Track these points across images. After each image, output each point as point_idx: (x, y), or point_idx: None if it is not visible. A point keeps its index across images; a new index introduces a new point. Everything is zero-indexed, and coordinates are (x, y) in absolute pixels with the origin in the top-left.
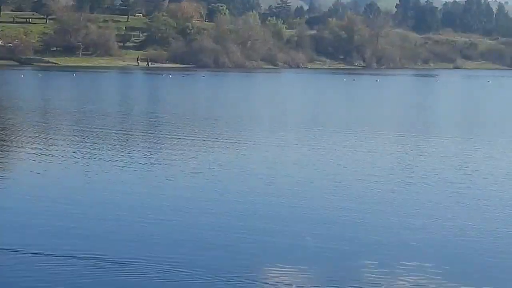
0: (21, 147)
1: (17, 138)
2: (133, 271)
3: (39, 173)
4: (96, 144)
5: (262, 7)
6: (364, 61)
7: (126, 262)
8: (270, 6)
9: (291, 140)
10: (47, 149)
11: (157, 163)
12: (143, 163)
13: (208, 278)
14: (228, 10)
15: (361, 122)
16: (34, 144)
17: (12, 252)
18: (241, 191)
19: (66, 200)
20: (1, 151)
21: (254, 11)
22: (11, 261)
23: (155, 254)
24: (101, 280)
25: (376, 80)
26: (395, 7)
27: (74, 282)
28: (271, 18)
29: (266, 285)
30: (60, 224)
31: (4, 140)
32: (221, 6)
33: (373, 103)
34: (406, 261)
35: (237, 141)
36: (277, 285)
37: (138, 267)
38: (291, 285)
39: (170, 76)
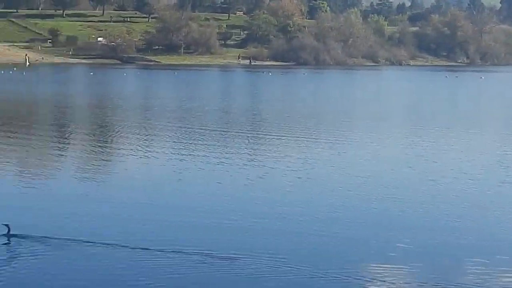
0: (123, 144)
1: (118, 135)
2: (241, 266)
3: (139, 171)
4: (194, 142)
5: (363, 4)
6: (467, 57)
7: (234, 258)
8: (372, 3)
9: (392, 138)
10: (147, 147)
11: (255, 160)
12: (245, 159)
13: (314, 274)
14: (329, 7)
15: (466, 119)
16: (134, 142)
17: (121, 248)
18: (339, 188)
19: (170, 197)
20: (104, 148)
21: (355, 8)
22: (121, 256)
23: (262, 249)
24: (210, 275)
25: (481, 77)
26: (500, 3)
27: (184, 277)
28: (372, 15)
29: (376, 282)
30: (168, 220)
31: (106, 138)
32: (322, 4)
33: (478, 101)
34: None
35: (337, 139)
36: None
37: (246, 262)
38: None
39: (270, 74)
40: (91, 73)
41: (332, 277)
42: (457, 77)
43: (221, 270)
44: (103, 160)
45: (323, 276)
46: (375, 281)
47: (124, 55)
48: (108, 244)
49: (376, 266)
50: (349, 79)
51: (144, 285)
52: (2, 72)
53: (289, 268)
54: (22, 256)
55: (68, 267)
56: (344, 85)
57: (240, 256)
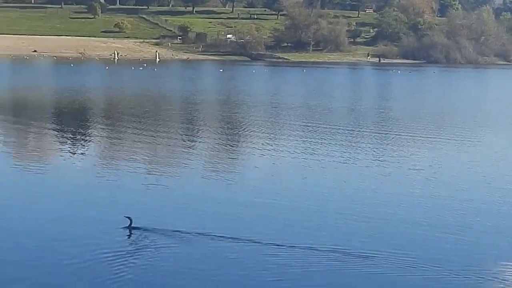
0: (248, 142)
1: (242, 132)
2: (375, 265)
3: (263, 168)
4: (319, 140)
5: (495, 2)
6: None
7: (368, 256)
8: (505, 0)
9: None
10: (271, 144)
11: (379, 160)
12: (369, 158)
13: (445, 275)
14: (461, 5)
15: None
16: (258, 139)
17: (254, 244)
18: (461, 188)
19: (296, 195)
20: (229, 146)
21: (487, 6)
22: (254, 252)
23: (392, 249)
24: (344, 273)
25: None
26: None
27: (318, 274)
28: (505, 13)
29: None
30: (299, 218)
31: (231, 135)
32: (454, 1)
33: None
34: None
35: (465, 139)
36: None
37: (380, 261)
38: None
39: (399, 72)
40: (221, 70)
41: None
42: None
43: (354, 268)
44: (228, 158)
45: (456, 276)
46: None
47: (253, 52)
48: (230, 238)
49: None
50: (480, 78)
51: (273, 282)
52: (133, 68)
53: (419, 269)
54: (146, 249)
55: (192, 260)
56: (476, 84)
57: (373, 255)
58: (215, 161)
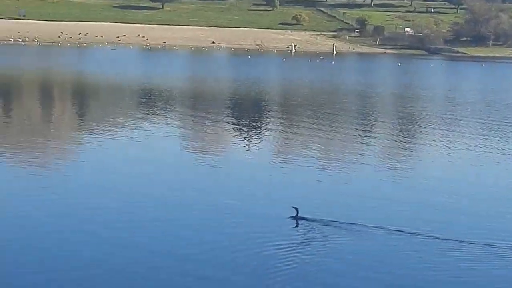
0: (420, 137)
1: (415, 126)
2: None
3: (436, 162)
4: (492, 136)
5: None
6: None
7: None
8: None
9: None
10: (442, 139)
11: None
12: None
13: None
14: None
15: None
16: (430, 134)
17: (432, 239)
18: None
19: (470, 188)
20: (399, 138)
21: None
22: (430, 247)
23: None
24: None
25: None
26: None
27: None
28: None
29: None
30: (477, 216)
31: (404, 129)
32: None
33: None
34: None
35: None
36: None
37: None
38: None
39: None
40: (399, 64)
41: None
42: None
43: None
44: (400, 153)
45: None
46: None
47: (431, 46)
48: (402, 232)
49: None
50: None
51: (450, 278)
52: (309, 60)
53: None
54: (313, 240)
55: (362, 252)
56: None
57: None
58: (387, 156)
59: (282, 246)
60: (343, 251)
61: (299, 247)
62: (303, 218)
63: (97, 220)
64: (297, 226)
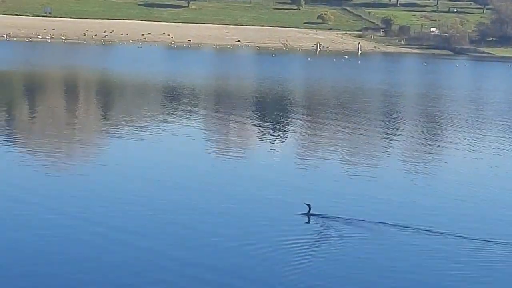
0: (440, 137)
1: (436, 126)
2: None
3: (454, 163)
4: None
5: None
6: None
7: None
8: None
9: None
10: (461, 140)
11: None
12: None
13: None
14: None
15: None
16: (452, 135)
17: (442, 236)
18: None
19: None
20: (419, 138)
21: None
22: (442, 244)
23: None
24: None
25: None
26: None
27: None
28: None
29: None
30: (491, 212)
31: (424, 128)
32: None
33: None
34: None
35: None
36: None
37: None
38: None
39: None
40: (425, 64)
41: None
42: None
43: None
44: (416, 152)
45: None
46: None
47: (456, 46)
48: (412, 229)
49: None
50: None
51: (457, 275)
52: (334, 60)
53: None
54: (325, 238)
55: (373, 250)
56: None
57: None
58: (406, 156)
59: (293, 242)
60: (356, 248)
61: (311, 243)
62: (316, 215)
63: (107, 222)
64: (308, 222)
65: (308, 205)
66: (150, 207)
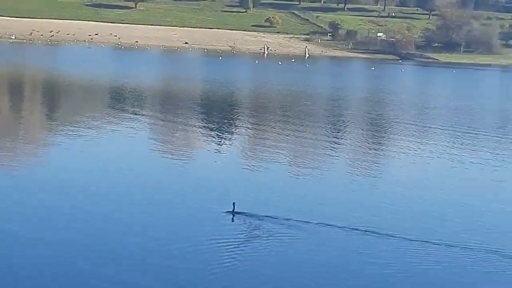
0: (386, 139)
1: (375, 129)
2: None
3: (402, 167)
4: (450, 142)
5: None
6: None
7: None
8: None
9: None
10: (408, 144)
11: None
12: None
13: None
14: None
15: None
16: (396, 138)
17: (367, 234)
18: None
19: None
20: (359, 141)
21: None
22: (364, 242)
23: None
24: (472, 270)
25: None
26: None
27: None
28: None
29: None
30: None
31: (363, 130)
32: None
33: None
34: None
35: None
36: None
37: None
38: None
39: None
40: (372, 68)
41: None
42: None
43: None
44: (348, 150)
45: None
46: None
47: (402, 51)
48: (336, 227)
49: None
50: None
51: (387, 273)
52: (281, 63)
53: None
54: (254, 235)
55: (297, 248)
56: None
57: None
58: (339, 156)
59: (217, 241)
60: (281, 246)
61: (235, 242)
62: (242, 213)
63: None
64: (233, 221)
65: (233, 203)
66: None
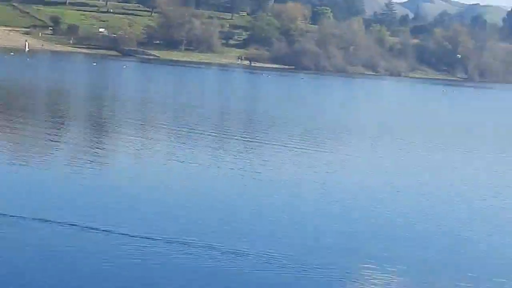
0: (115, 136)
1: (107, 126)
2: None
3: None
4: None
5: (366, 13)
6: (466, 73)
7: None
8: (375, 12)
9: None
10: (131, 140)
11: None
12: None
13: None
14: (333, 13)
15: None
16: (122, 134)
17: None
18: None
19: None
20: (91, 139)
21: (358, 16)
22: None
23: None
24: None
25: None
26: (502, 20)
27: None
28: (375, 24)
29: None
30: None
31: (95, 129)
32: (326, 10)
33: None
34: None
35: (308, 146)
36: None
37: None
38: None
39: (269, 76)
40: (94, 63)
41: None
42: (444, 91)
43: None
44: (81, 150)
45: None
46: None
47: (124, 48)
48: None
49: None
50: (347, 87)
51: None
52: None
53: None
54: None
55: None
56: (342, 93)
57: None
58: (69, 153)
59: None
60: None
61: None
62: None
63: None
64: None
65: None
66: None
